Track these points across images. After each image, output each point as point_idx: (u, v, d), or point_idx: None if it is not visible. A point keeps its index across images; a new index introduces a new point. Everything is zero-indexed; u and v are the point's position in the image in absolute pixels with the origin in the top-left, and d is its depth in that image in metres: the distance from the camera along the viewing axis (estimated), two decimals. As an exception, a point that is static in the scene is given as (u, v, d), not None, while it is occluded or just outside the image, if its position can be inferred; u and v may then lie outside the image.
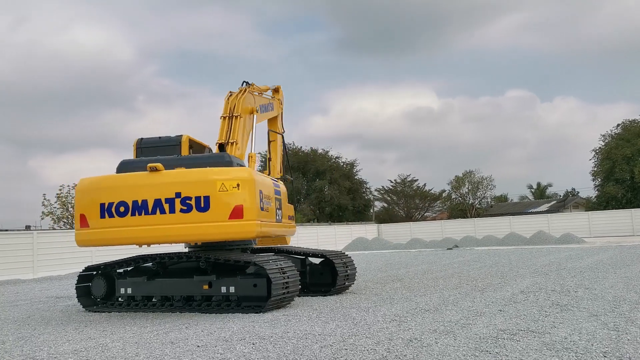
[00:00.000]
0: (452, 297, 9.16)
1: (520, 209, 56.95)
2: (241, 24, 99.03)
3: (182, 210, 8.33)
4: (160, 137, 10.10)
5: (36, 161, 77.01)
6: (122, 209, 8.47)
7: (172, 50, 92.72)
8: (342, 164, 52.00)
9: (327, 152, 52.25)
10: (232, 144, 10.21)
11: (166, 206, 8.36)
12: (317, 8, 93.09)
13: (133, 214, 8.45)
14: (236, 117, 10.86)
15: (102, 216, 8.49)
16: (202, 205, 8.31)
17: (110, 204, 8.51)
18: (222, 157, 9.17)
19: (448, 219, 48.95)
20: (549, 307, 7.55)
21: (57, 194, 36.83)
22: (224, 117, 10.56)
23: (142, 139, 10.06)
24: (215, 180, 8.36)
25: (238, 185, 8.33)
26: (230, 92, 11.25)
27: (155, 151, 9.65)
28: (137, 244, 9.05)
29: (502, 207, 60.73)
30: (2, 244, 19.09)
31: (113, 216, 8.48)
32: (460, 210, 53.34)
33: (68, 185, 37.54)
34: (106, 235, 8.60)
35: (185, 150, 9.93)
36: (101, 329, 7.51)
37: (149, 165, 8.59)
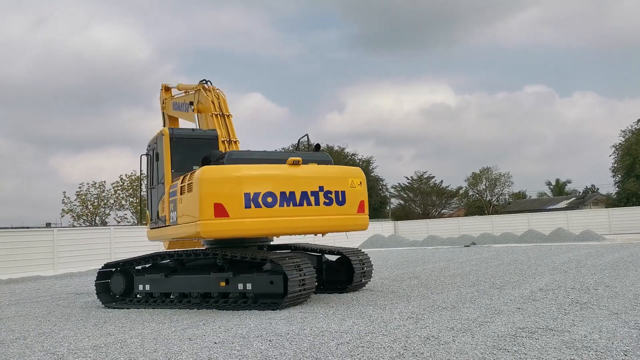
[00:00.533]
0: (469, 294, 9.09)
1: (538, 205, 56.31)
2: (257, 22, 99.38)
3: (325, 203, 8.86)
4: (193, 130, 10.27)
5: (56, 159, 78.17)
6: (269, 199, 8.40)
7: (190, 48, 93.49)
8: (358, 161, 51.91)
9: (343, 149, 52.24)
10: (235, 142, 10.57)
11: (312, 198, 8.73)
12: (332, 5, 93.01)
13: (281, 205, 8.50)
14: (228, 116, 11.05)
15: (248, 206, 8.23)
16: (340, 199, 9.01)
17: (256, 194, 8.31)
18: (326, 156, 9.72)
19: (465, 216, 48.59)
20: (569, 305, 7.46)
21: (77, 192, 37.39)
22: (215, 115, 10.73)
23: (172, 128, 10.07)
24: (348, 178, 9.20)
25: (360, 182, 9.36)
26: (203, 86, 11.39)
27: (190, 143, 9.88)
28: (281, 234, 9.02)
29: (520, 204, 60.12)
30: (24, 241, 19.41)
31: (260, 206, 8.33)
32: (477, 207, 52.96)
33: (87, 183, 38.11)
34: (251, 225, 8.33)
35: (220, 146, 10.29)
36: (120, 325, 7.60)
37: (292, 159, 8.80)
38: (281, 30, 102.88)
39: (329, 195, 8.87)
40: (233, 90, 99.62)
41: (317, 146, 10.03)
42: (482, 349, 5.10)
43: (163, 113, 13.77)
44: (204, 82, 11.56)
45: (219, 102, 11.05)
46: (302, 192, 8.64)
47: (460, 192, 55.69)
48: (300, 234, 9.27)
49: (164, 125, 13.46)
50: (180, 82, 13.21)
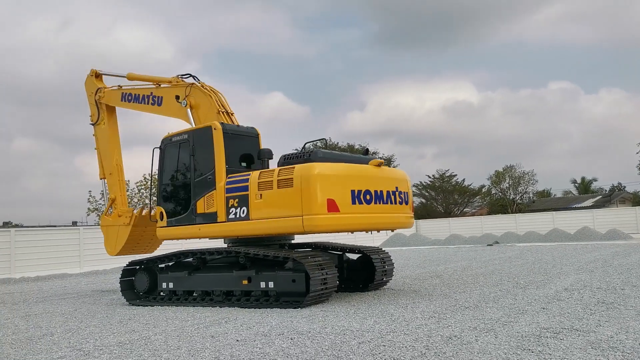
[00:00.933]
0: (492, 294, 9.00)
1: (563, 204, 55.37)
2: (278, 21, 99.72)
3: (399, 202, 9.55)
4: (238, 126, 10.10)
5: (82, 159, 79.67)
6: (368, 197, 8.90)
7: (212, 48, 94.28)
8: (380, 157, 51.71)
9: (364, 147, 52.08)
10: None
11: (392, 197, 9.40)
12: (353, 3, 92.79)
13: (376, 202, 9.06)
14: (232, 114, 10.91)
15: (354, 202, 8.65)
16: (406, 199, 9.80)
17: (359, 192, 8.75)
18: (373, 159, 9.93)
19: (488, 214, 48.05)
20: (594, 305, 7.33)
21: (102, 191, 37.99)
22: (220, 112, 10.54)
23: (222, 123, 9.83)
24: (407, 180, 10.02)
25: (408, 185, 10.00)
26: (192, 82, 11.12)
27: (236, 139, 9.81)
28: (372, 230, 9.32)
29: (544, 202, 59.20)
30: (51, 240, 19.81)
31: (362, 203, 8.78)
32: (500, 205, 52.30)
33: (112, 183, 38.66)
34: (356, 220, 8.75)
35: (260, 144, 10.41)
36: (144, 322, 7.71)
37: (378, 160, 9.45)
38: (302, 30, 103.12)
39: (400, 195, 9.61)
40: (254, 90, 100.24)
41: (367, 150, 10.54)
42: (505, 349, 5.05)
43: (97, 103, 13.07)
44: (187, 76, 11.26)
45: (217, 99, 10.73)
46: (387, 192, 9.31)
47: (483, 190, 55.05)
48: (382, 230, 9.70)
49: (97, 118, 13.04)
50: (132, 72, 12.58)
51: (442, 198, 55.10)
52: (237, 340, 5.99)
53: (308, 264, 8.35)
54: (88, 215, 36.87)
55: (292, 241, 10.58)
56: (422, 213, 52.54)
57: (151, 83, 12.11)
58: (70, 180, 73.04)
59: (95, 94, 13.17)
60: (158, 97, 11.78)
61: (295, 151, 9.35)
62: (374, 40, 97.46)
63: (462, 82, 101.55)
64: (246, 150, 9.92)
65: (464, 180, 54.73)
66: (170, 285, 9.77)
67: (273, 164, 9.90)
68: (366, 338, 5.80)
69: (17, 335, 7.07)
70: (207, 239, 10.03)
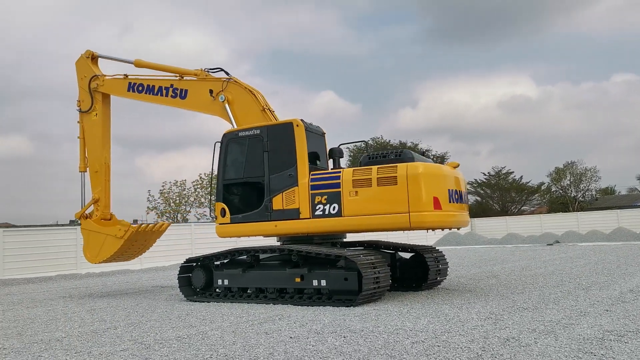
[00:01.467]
0: (552, 295, 8.70)
1: (629, 202, 52.75)
2: (330, 20, 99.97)
3: (466, 201, 9.93)
4: (310, 124, 10.12)
5: (142, 160, 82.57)
6: (456, 196, 9.37)
7: (264, 49, 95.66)
8: (432, 157, 50.98)
9: (417, 145, 51.43)
10: None
11: (464, 197, 9.82)
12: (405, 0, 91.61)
13: (460, 202, 9.55)
14: (272, 111, 10.83)
15: (450, 201, 9.08)
16: (467, 199, 10.20)
17: (452, 191, 9.21)
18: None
19: (547, 213, 46.41)
20: (664, 309, 6.95)
21: (160, 190, 39.29)
22: (264, 110, 10.54)
23: (302, 120, 9.82)
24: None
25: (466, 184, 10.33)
26: (229, 77, 10.95)
27: (311, 136, 9.88)
28: (455, 228, 9.62)
29: (608, 200, 56.60)
30: (113, 237, 20.63)
31: (454, 202, 9.24)
32: (561, 203, 50.45)
33: (169, 182, 39.94)
34: (451, 218, 9.14)
35: (326, 142, 10.58)
36: (201, 317, 7.93)
37: (455, 163, 9.88)
38: (354, 28, 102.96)
39: (466, 195, 10.05)
40: (306, 89, 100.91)
41: (423, 153, 10.75)
42: (566, 352, 4.87)
43: (90, 90, 12.29)
44: (217, 70, 11.14)
45: (255, 96, 10.65)
46: (461, 191, 9.68)
47: (542, 188, 53.21)
48: (459, 227, 9.78)
49: (89, 107, 12.29)
50: (140, 59, 11.87)
51: (499, 196, 53.64)
52: (291, 337, 6.06)
53: (360, 262, 8.34)
54: (147, 213, 38.28)
55: (344, 239, 10.59)
56: (477, 211, 51.35)
57: (167, 73, 11.68)
58: (131, 179, 75.99)
59: (91, 81, 12.34)
60: (181, 89, 11.42)
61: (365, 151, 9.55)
62: (426, 36, 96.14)
63: (520, 76, 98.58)
64: (314, 149, 9.98)
65: (521, 177, 53.09)
66: (226, 282, 9.97)
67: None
68: (420, 338, 5.74)
69: (83, 328, 7.43)
70: (285, 235, 9.93)
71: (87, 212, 12.45)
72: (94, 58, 12.69)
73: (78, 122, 12.65)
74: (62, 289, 14.22)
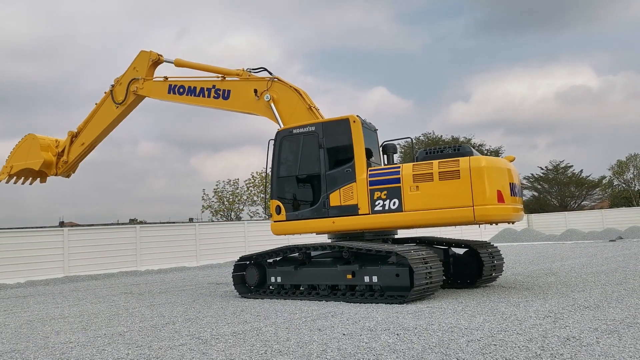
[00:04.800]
0: (616, 293, 8.32)
1: (700, 195, 49.63)
2: (381, 17, 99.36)
3: (521, 195, 9.93)
4: (365, 120, 10.14)
5: (197, 159, 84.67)
6: (516, 189, 9.40)
7: (315, 48, 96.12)
8: (486, 151, 49.73)
9: (469, 140, 50.32)
10: None
11: (519, 191, 9.74)
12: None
13: (518, 195, 9.50)
14: (317, 109, 10.79)
15: (512, 195, 9.14)
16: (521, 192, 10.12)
17: (513, 185, 9.24)
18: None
19: (609, 208, 44.39)
20: None
21: (214, 189, 40.19)
22: (309, 108, 10.54)
23: (358, 115, 9.87)
24: None
25: None
26: (273, 77, 10.95)
27: (365, 131, 9.90)
28: (515, 221, 9.51)
29: (676, 193, 53.41)
30: (171, 235, 21.32)
31: (514, 195, 9.25)
32: (624, 198, 48.11)
33: (223, 181, 40.78)
34: (513, 212, 9.07)
35: (378, 139, 10.65)
36: (255, 314, 8.07)
37: (511, 157, 9.74)
38: (406, 24, 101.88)
39: (521, 189, 9.94)
40: (357, 86, 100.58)
41: (476, 148, 10.63)
42: (630, 352, 4.65)
43: (127, 93, 12.53)
44: (259, 70, 11.18)
45: (301, 95, 10.66)
46: (517, 185, 9.58)
47: (604, 182, 50.91)
48: (514, 222, 9.56)
49: (121, 99, 12.62)
50: (180, 58, 12.01)
51: (557, 191, 51.71)
52: (344, 334, 6.07)
53: (411, 258, 8.26)
54: (202, 212, 39.22)
55: (395, 236, 10.51)
56: (534, 207, 49.73)
57: (208, 73, 11.74)
58: (186, 179, 78.16)
59: (130, 83, 12.59)
60: (224, 90, 11.43)
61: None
62: (480, 28, 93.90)
63: (580, 66, 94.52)
64: (368, 145, 9.97)
65: (581, 171, 50.93)
66: (279, 279, 10.10)
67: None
68: (475, 336, 5.63)
69: (143, 323, 7.71)
70: (343, 232, 9.90)
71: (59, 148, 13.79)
72: (156, 63, 12.82)
73: (105, 92, 13.09)
74: (123, 285, 14.80)
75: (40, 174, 14.14)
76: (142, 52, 12.86)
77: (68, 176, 14.43)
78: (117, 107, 12.80)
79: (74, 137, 13.64)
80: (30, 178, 14.23)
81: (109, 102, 12.94)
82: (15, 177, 14.01)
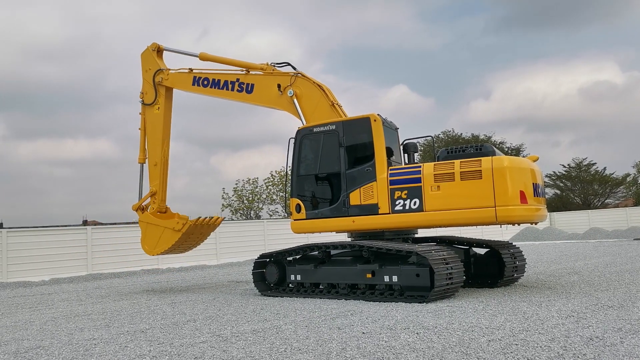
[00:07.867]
0: (641, 293, 8.17)
1: None
2: (402, 15, 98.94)
3: (544, 195, 9.84)
4: (385, 119, 10.14)
5: (217, 158, 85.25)
6: (539, 190, 9.36)
7: (337, 47, 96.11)
8: (506, 149, 49.15)
9: (490, 137, 49.77)
10: None
11: (542, 191, 9.63)
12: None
13: (540, 196, 9.46)
14: (340, 105, 10.71)
15: (535, 195, 9.11)
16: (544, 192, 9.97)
17: (536, 185, 9.21)
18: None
19: (634, 205, 43.54)
20: None
21: (234, 188, 40.45)
22: (332, 105, 10.49)
23: (378, 114, 9.84)
24: None
25: None
26: (297, 72, 10.88)
27: (386, 131, 9.86)
28: (539, 221, 9.43)
29: None
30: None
31: (537, 195, 9.19)
32: (649, 195, 47.14)
33: (243, 180, 41.03)
34: (536, 212, 9.04)
35: (399, 137, 10.66)
36: (275, 312, 8.10)
37: (534, 156, 9.75)
38: (426, 22, 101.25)
39: (544, 189, 9.80)
40: (378, 84, 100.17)
41: (497, 146, 10.57)
42: (657, 354, 4.57)
43: (154, 83, 12.35)
44: (284, 65, 11.11)
45: (324, 91, 10.60)
46: (540, 186, 9.50)
47: (628, 179, 49.96)
48: (537, 222, 9.43)
49: (153, 99, 12.36)
50: (204, 52, 11.71)
51: (580, 189, 50.90)
52: (363, 333, 6.07)
53: (432, 258, 8.22)
54: (222, 210, 39.47)
55: (415, 235, 10.47)
56: (556, 205, 49.02)
57: (232, 67, 11.68)
58: (207, 178, 78.77)
59: (155, 74, 12.47)
60: (248, 84, 11.41)
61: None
62: (501, 25, 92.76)
63: (604, 62, 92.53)
64: (389, 143, 9.94)
65: (604, 169, 50.02)
66: (298, 277, 10.13)
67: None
68: (496, 336, 5.58)
69: (165, 321, 7.81)
70: (363, 231, 9.86)
71: (143, 204, 12.63)
72: (159, 51, 12.76)
73: (140, 113, 12.82)
74: (145, 283, 15.00)
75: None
76: (142, 54, 12.87)
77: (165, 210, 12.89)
78: (158, 108, 12.53)
79: (153, 195, 12.59)
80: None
81: (149, 113, 12.69)
82: (171, 251, 12.60)
